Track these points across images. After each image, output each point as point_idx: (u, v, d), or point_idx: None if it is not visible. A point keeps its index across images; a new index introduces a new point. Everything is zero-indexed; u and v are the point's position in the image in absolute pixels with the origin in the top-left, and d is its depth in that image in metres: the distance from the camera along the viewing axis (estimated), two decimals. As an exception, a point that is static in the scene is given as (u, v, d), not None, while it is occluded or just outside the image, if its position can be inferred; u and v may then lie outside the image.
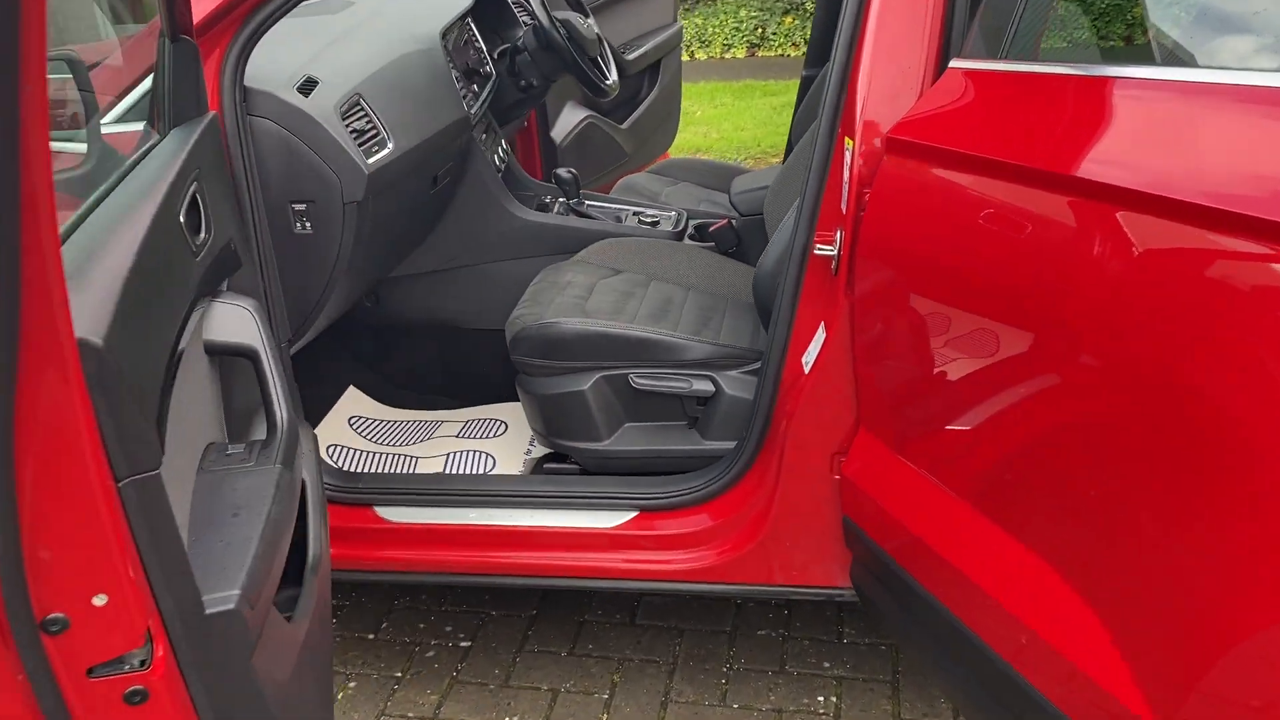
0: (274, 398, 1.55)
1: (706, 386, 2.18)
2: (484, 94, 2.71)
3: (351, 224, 2.05)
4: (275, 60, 2.08)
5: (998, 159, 1.50)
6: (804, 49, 9.56)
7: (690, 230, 2.84)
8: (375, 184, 2.08)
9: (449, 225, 2.68)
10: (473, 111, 2.53)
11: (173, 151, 1.55)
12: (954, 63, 1.71)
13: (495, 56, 2.95)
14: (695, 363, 2.20)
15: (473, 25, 2.90)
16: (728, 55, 9.39)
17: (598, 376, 2.21)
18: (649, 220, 2.79)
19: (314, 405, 2.66)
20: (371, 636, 2.47)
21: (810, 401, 1.90)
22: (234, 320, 1.58)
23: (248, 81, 1.95)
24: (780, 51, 9.33)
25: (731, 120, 7.05)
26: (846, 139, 1.79)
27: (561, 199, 2.90)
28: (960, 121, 1.66)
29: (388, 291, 2.81)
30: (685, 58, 9.49)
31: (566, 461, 2.32)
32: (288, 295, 2.09)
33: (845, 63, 1.76)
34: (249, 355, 1.57)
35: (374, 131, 2.11)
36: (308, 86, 2.05)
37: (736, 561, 2.06)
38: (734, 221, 2.79)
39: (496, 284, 2.77)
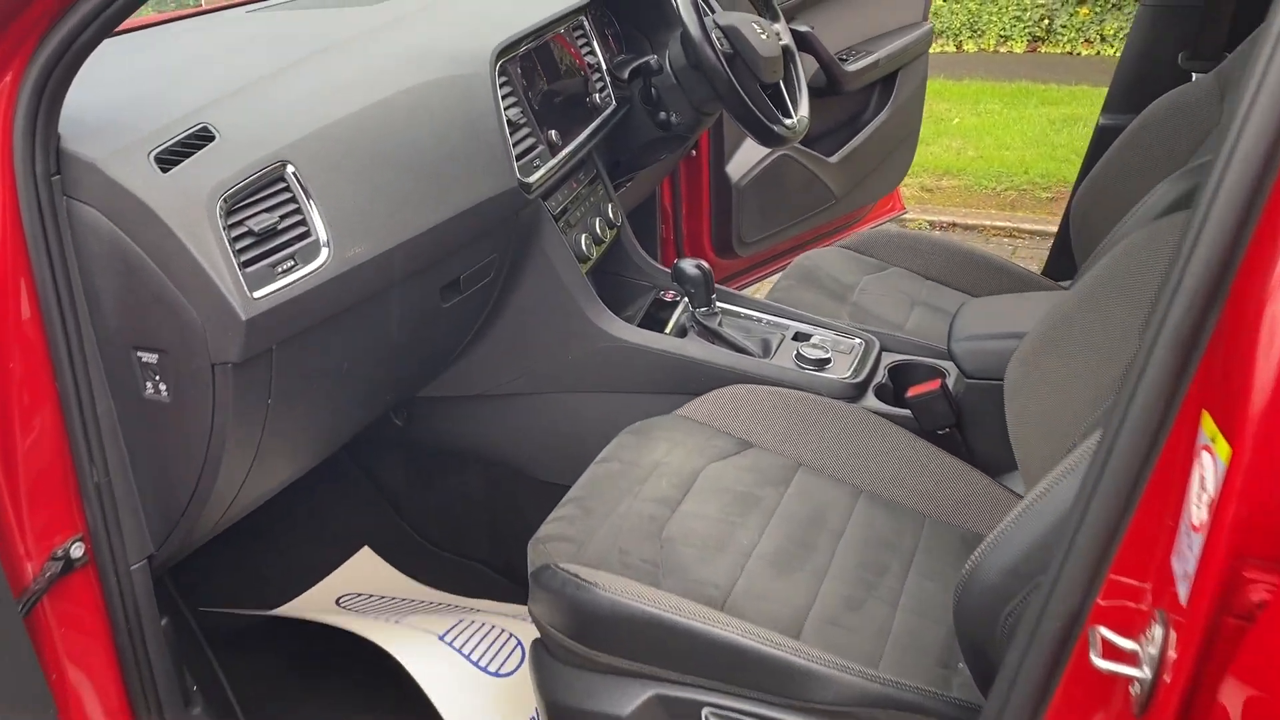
0: None
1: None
2: (577, 142, 1.76)
3: (229, 393, 1.16)
4: (141, 94, 1.22)
5: None
6: (1098, 47, 7.96)
7: (883, 378, 1.78)
8: (279, 330, 1.18)
9: (497, 337, 1.76)
10: (534, 178, 1.58)
11: None
12: None
13: (626, 75, 1.99)
14: (828, 707, 1.18)
15: (589, 23, 1.94)
16: (1002, 49, 7.95)
17: (651, 694, 1.24)
18: (814, 358, 1.74)
19: (319, 547, 1.86)
20: None
21: None
22: None
23: (67, 137, 1.10)
24: (1068, 49, 7.79)
25: (996, 134, 5.74)
26: (1207, 421, 0.71)
27: (683, 301, 1.91)
28: None
29: (419, 410, 1.93)
30: (950, 49, 8.14)
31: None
32: (144, 489, 1.23)
33: (1223, 252, 0.68)
34: None
35: (298, 233, 1.20)
36: (185, 149, 1.16)
37: None
38: (951, 384, 1.71)
39: (567, 422, 1.84)
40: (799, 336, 1.85)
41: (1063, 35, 7.80)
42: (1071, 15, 7.79)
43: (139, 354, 1.17)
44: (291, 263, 1.17)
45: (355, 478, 2.03)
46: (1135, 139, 2.06)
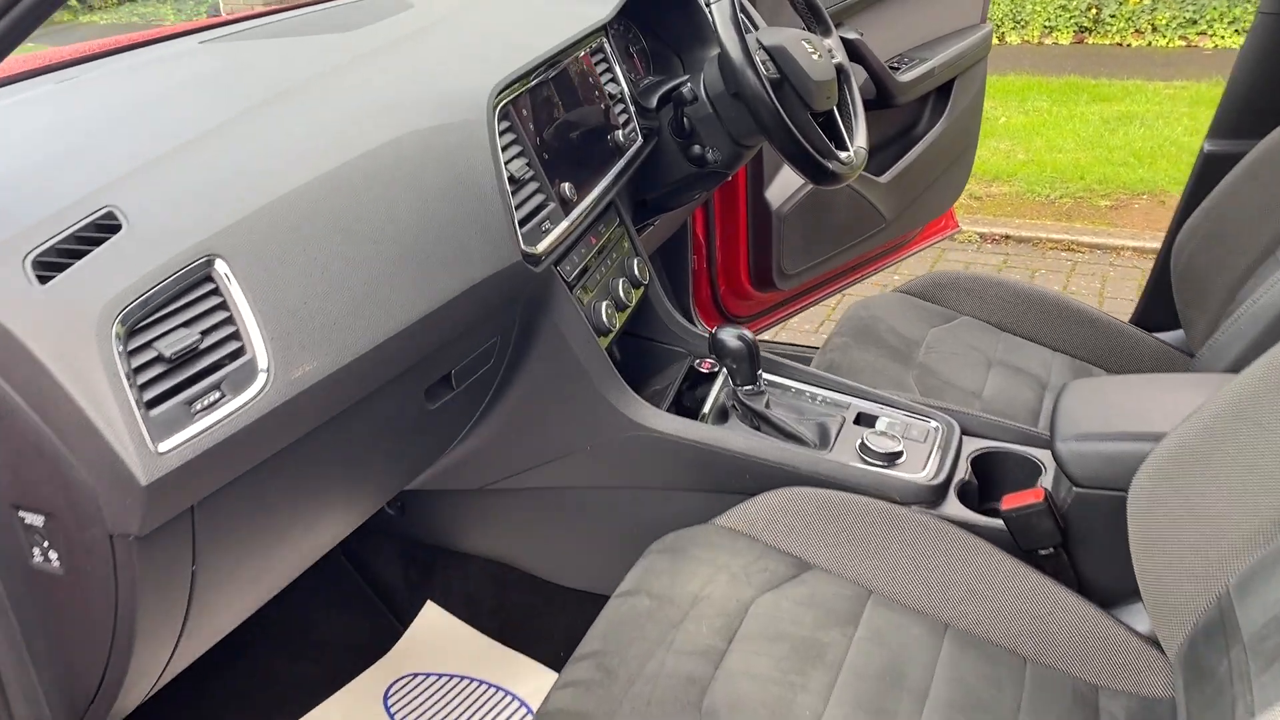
0: None
1: None
2: (597, 192, 1.47)
3: (135, 569, 0.88)
4: (27, 168, 0.94)
5: None
6: (1149, 38, 7.53)
7: (966, 474, 1.47)
8: (199, 487, 0.90)
9: (501, 425, 1.48)
10: (544, 245, 1.28)
11: None
12: None
13: (654, 103, 1.70)
14: None
15: (609, 45, 1.64)
16: (1048, 40, 7.57)
17: None
18: (883, 451, 1.44)
19: (304, 663, 1.59)
20: None
21: None
22: None
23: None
24: (1118, 39, 7.40)
25: (1046, 135, 5.39)
26: None
27: (723, 373, 1.62)
28: None
29: (413, 503, 1.65)
30: (994, 40, 7.75)
31: None
32: (42, 672, 0.96)
33: None
34: None
35: (228, 351, 0.91)
36: (79, 247, 0.88)
37: None
38: (1050, 483, 1.39)
39: (587, 521, 1.56)
40: (862, 419, 1.55)
41: (1111, 25, 7.41)
42: (1121, 4, 7.39)
43: (21, 514, 0.89)
44: (217, 394, 0.89)
45: (345, 576, 1.76)
46: (1254, 171, 1.74)
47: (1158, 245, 4.07)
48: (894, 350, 1.85)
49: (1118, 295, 3.71)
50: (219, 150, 1.02)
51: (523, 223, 1.26)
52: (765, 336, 2.85)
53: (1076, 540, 1.33)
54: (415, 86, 1.24)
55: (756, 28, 1.85)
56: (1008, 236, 4.22)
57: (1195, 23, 7.18)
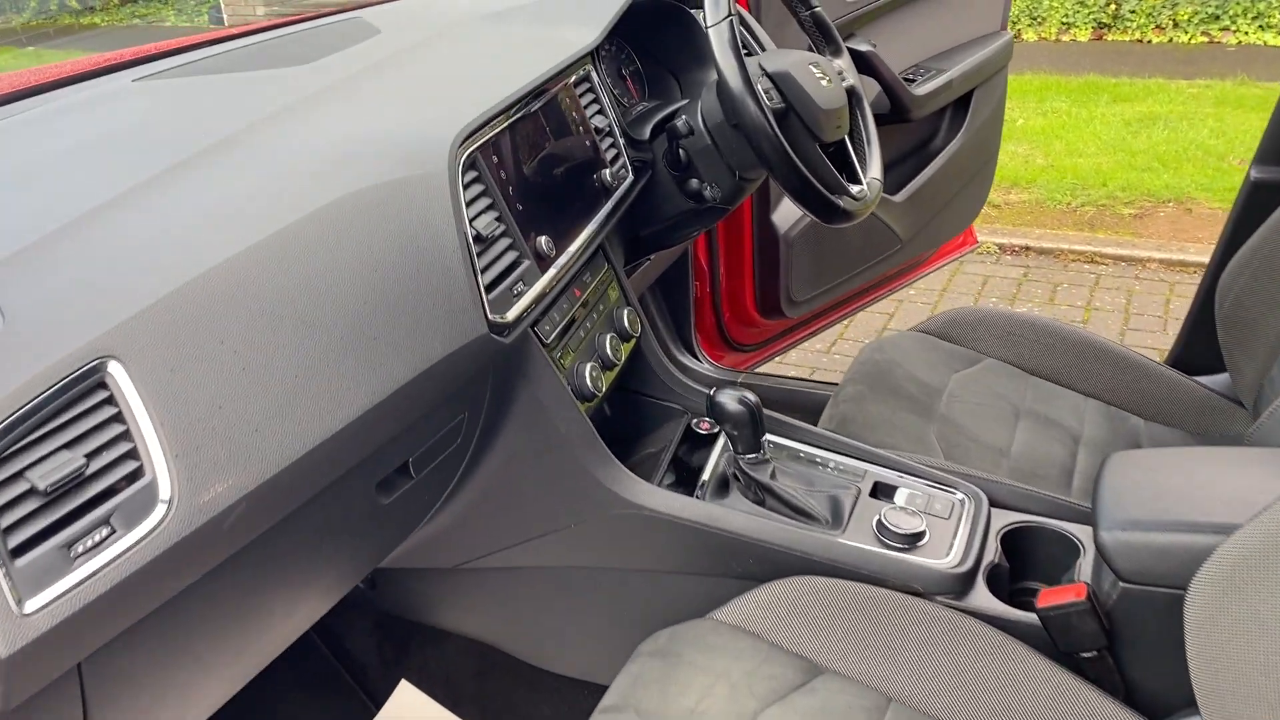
0: None
1: None
2: (580, 241, 1.31)
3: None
4: None
5: None
6: (1171, 34, 7.29)
7: (996, 556, 1.31)
8: (82, 643, 0.75)
9: (474, 502, 1.32)
10: (516, 311, 1.13)
11: None
12: None
13: (646, 134, 1.54)
14: None
15: (597, 73, 1.49)
16: (1065, 37, 7.37)
17: None
18: (904, 531, 1.28)
19: None
20: None
21: None
22: None
23: None
24: (1138, 35, 7.20)
25: (1066, 138, 5.20)
26: None
27: (724, 437, 1.46)
28: None
29: (385, 579, 1.50)
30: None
31: None
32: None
33: None
34: None
35: (122, 475, 0.76)
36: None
37: None
38: (1097, 589, 1.22)
39: (572, 604, 1.41)
40: (880, 490, 1.39)
41: (1131, 21, 7.21)
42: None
43: None
44: (105, 531, 0.74)
45: (314, 652, 1.61)
46: None
47: (1185, 258, 3.92)
48: (914, 401, 1.69)
49: (1144, 311, 3.54)
50: (121, 225, 0.86)
51: (491, 286, 1.10)
52: (768, 369, 2.69)
53: (1123, 642, 1.17)
54: (368, 135, 1.09)
55: (763, 49, 1.69)
56: (1028, 248, 4.04)
57: (1217, 18, 6.98)
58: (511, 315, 1.11)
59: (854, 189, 1.52)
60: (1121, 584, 1.15)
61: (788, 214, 2.30)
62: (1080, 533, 1.34)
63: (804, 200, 1.43)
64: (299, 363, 0.88)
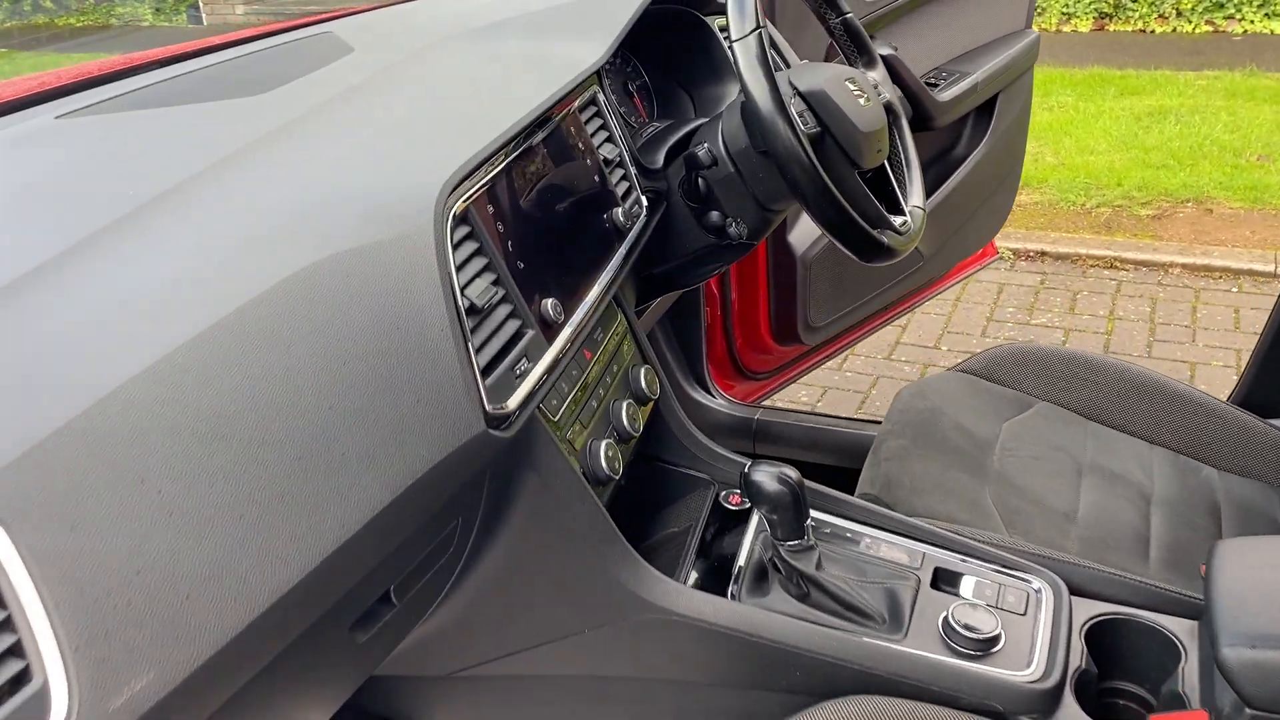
0: None
1: None
2: (590, 300, 1.11)
3: None
4: None
5: None
6: (1174, 24, 7.09)
7: (1083, 662, 1.12)
8: None
9: (471, 603, 1.13)
10: (518, 397, 0.93)
11: None
12: None
13: (660, 162, 1.34)
14: None
15: (604, 96, 1.29)
16: (1066, 28, 7.18)
17: None
18: (977, 636, 1.09)
19: None
20: None
21: None
22: None
23: None
24: (1140, 25, 7.02)
25: (1075, 134, 5.02)
26: None
27: (757, 517, 1.27)
28: None
29: (373, 685, 1.30)
30: (1007, 29, 7.36)
31: None
32: None
33: None
34: None
35: (7, 677, 0.56)
36: None
37: None
38: (1216, 711, 1.03)
39: (585, 717, 1.21)
40: (941, 578, 1.20)
41: (1134, 11, 7.03)
42: (1143, -12, 7.02)
43: None
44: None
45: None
46: None
47: (1209, 262, 3.73)
48: (963, 456, 1.50)
49: (1170, 320, 3.36)
50: (2, 330, 0.66)
51: (488, 369, 0.90)
52: (784, 397, 2.50)
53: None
54: (332, 186, 0.88)
55: (788, 63, 1.50)
56: (1044, 253, 3.86)
57: (1222, 6, 6.80)
58: (514, 402, 0.91)
59: (896, 221, 1.33)
60: (1249, 710, 0.96)
61: (805, 234, 2.11)
62: (1178, 629, 1.15)
63: (843, 236, 1.24)
64: (245, 497, 0.68)
